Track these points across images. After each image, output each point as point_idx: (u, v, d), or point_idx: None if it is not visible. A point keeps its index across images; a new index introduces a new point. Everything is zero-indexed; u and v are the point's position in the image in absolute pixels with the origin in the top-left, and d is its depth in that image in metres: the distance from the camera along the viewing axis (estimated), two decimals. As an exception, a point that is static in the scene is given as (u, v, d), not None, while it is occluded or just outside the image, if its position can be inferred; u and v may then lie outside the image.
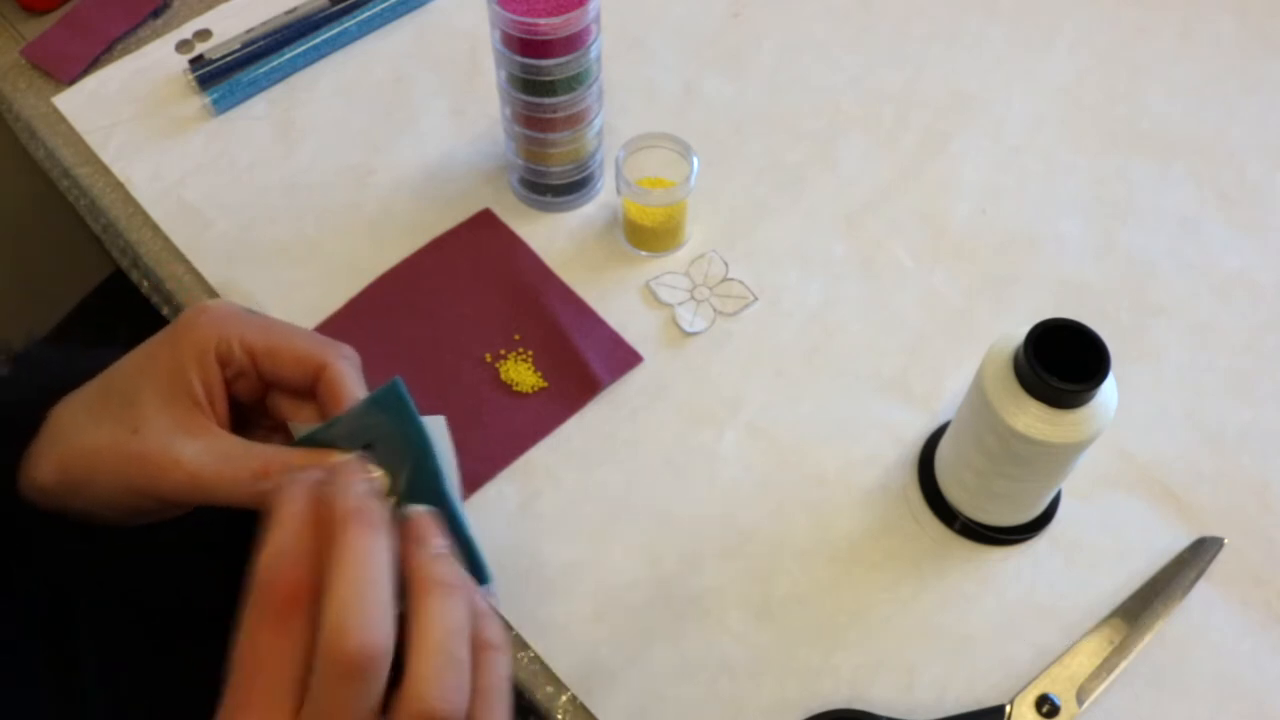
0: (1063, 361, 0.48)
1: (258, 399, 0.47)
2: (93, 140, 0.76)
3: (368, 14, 0.81)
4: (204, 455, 0.42)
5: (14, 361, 0.47)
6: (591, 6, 0.60)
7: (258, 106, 0.78)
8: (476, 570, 0.44)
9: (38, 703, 0.47)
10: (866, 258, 0.71)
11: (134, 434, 0.42)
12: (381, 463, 0.44)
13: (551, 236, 0.71)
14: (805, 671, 0.55)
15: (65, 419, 0.44)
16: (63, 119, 0.78)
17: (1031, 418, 0.49)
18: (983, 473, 0.55)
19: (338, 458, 0.43)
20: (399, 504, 0.44)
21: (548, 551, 0.59)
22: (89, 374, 0.45)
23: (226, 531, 0.50)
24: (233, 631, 0.37)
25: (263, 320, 0.46)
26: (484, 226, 0.72)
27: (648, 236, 0.69)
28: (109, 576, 0.48)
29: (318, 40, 0.80)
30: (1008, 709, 0.54)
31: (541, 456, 0.62)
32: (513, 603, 0.57)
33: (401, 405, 0.43)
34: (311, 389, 0.45)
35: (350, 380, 0.45)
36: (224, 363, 0.44)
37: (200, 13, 0.84)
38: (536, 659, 0.56)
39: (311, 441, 0.46)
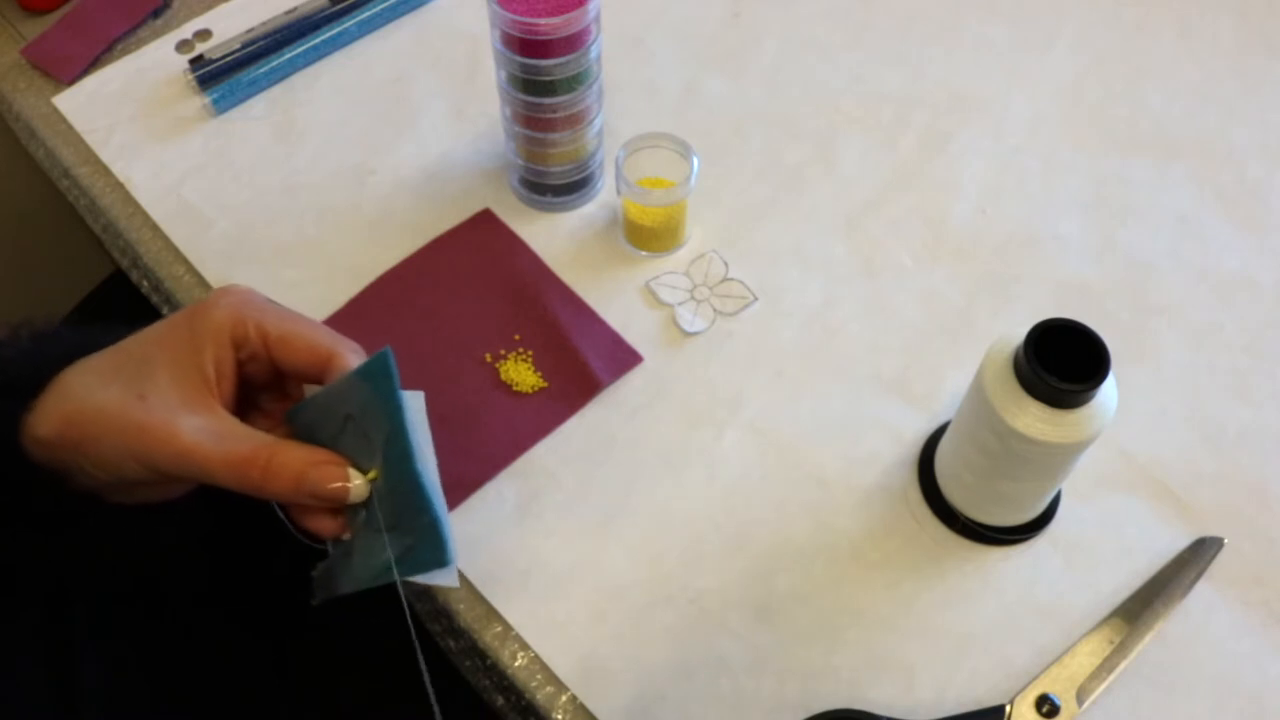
0: (1063, 361, 0.48)
1: (267, 383, 0.49)
2: (93, 140, 0.76)
3: (368, 14, 0.81)
4: (202, 432, 0.43)
5: (31, 336, 0.48)
6: (591, 6, 0.60)
7: (258, 106, 0.78)
8: (440, 551, 0.44)
9: (30, 672, 0.48)
10: (866, 258, 0.71)
11: (140, 400, 0.43)
12: (362, 434, 0.45)
13: (551, 236, 0.71)
14: (805, 671, 0.55)
15: (75, 380, 0.45)
16: (63, 119, 0.78)
17: (1031, 418, 0.49)
18: (983, 473, 0.55)
19: (321, 455, 0.45)
20: (373, 476, 0.45)
21: (548, 551, 0.59)
22: (101, 346, 0.46)
23: (210, 509, 0.50)
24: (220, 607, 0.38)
25: (280, 309, 0.48)
26: (484, 226, 0.72)
27: (648, 236, 0.69)
28: (102, 545, 0.49)
29: (318, 40, 0.80)
30: (1008, 709, 0.54)
31: (541, 456, 0.62)
32: (513, 603, 0.57)
33: (386, 376, 0.44)
34: (320, 379, 0.47)
35: None
36: (238, 345, 0.46)
37: (200, 13, 0.84)
38: (536, 659, 0.56)
39: (298, 417, 0.47)
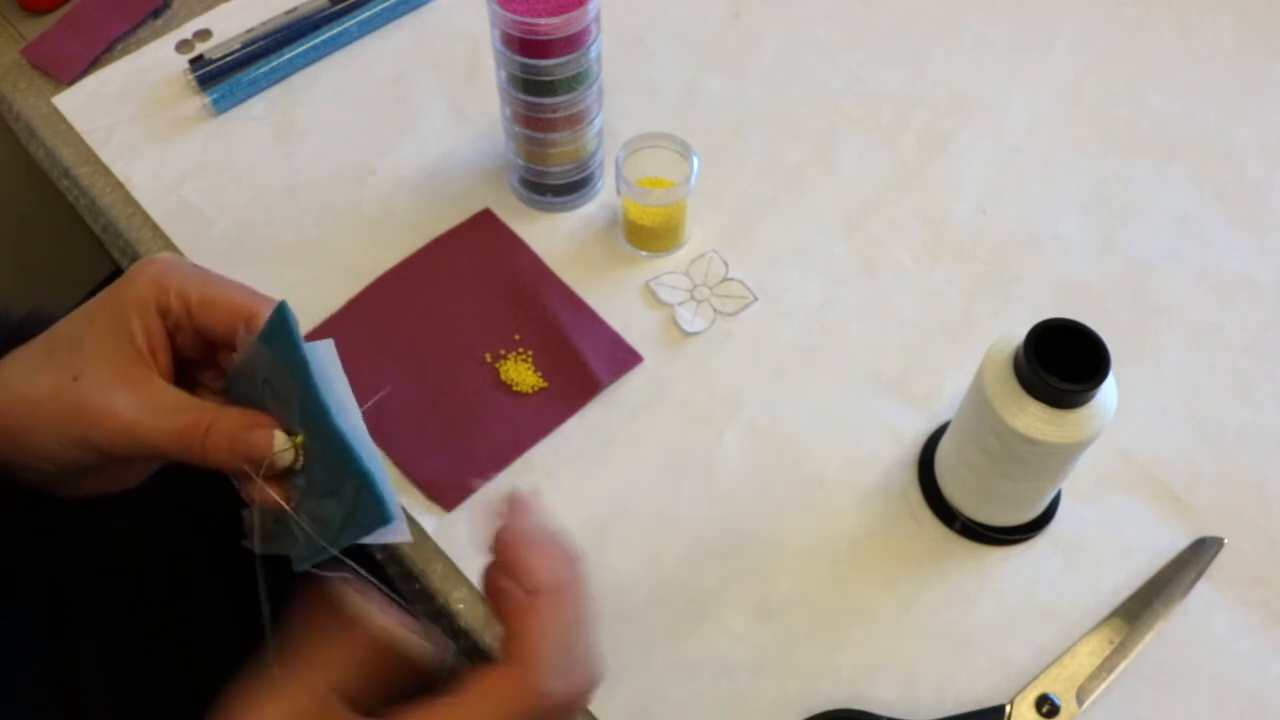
0: (1063, 361, 0.48)
1: (202, 355, 0.47)
2: (93, 140, 0.76)
3: (368, 14, 0.81)
4: (138, 406, 0.42)
5: None
6: (591, 6, 0.60)
7: (258, 106, 0.78)
8: (377, 509, 0.41)
9: (32, 674, 0.48)
10: (866, 258, 0.71)
11: (74, 381, 0.42)
12: (279, 398, 0.43)
13: (551, 236, 0.71)
14: (805, 671, 0.55)
15: (8, 371, 0.43)
16: (63, 119, 0.78)
17: (1031, 418, 0.49)
18: (983, 473, 0.55)
19: (256, 418, 0.42)
20: (300, 440, 0.42)
21: (548, 551, 0.59)
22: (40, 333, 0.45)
23: (197, 499, 0.49)
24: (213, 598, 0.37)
25: (202, 273, 0.45)
26: (484, 226, 0.72)
27: (648, 236, 0.69)
28: (84, 546, 0.48)
29: (318, 40, 0.80)
30: (1008, 709, 0.54)
31: (541, 456, 0.62)
32: (513, 603, 0.57)
33: (285, 334, 0.42)
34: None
35: None
36: (163, 314, 0.44)
37: (200, 13, 0.84)
38: (536, 659, 0.56)
39: (230, 389, 0.45)
